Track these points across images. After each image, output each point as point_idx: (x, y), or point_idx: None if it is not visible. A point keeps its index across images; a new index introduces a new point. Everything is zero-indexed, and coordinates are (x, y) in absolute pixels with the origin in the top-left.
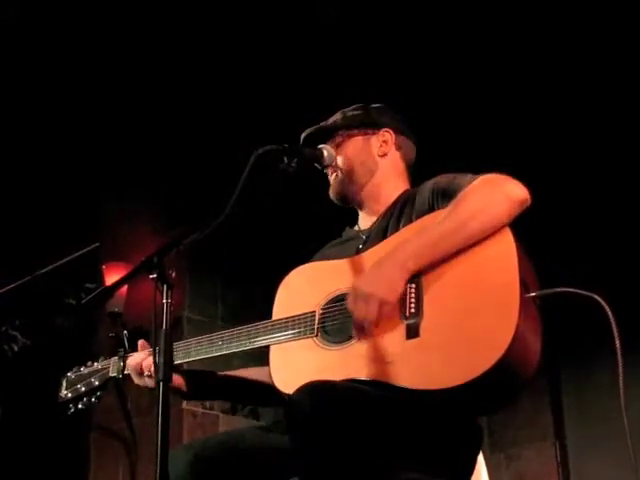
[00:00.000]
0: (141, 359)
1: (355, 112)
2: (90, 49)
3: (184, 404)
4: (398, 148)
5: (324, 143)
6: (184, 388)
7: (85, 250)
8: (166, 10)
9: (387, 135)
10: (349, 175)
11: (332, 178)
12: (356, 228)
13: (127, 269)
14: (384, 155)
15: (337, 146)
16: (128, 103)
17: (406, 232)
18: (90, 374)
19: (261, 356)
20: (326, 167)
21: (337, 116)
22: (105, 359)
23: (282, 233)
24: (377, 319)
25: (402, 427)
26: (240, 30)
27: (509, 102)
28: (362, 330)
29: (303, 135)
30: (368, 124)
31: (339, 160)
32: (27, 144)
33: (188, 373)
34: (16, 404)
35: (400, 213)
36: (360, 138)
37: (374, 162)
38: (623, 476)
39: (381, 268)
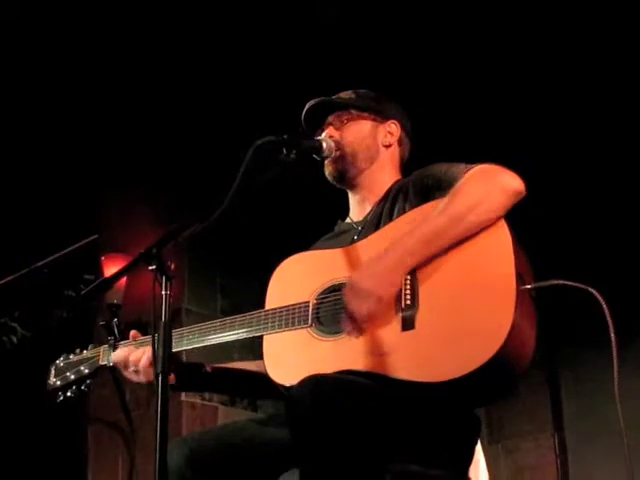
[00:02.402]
0: (127, 353)
1: (369, 96)
2: (90, 48)
3: (183, 396)
4: (400, 143)
5: (328, 115)
6: (172, 379)
7: (83, 242)
8: (166, 9)
9: (393, 127)
10: (352, 156)
11: (333, 154)
12: (348, 220)
13: (126, 261)
14: (388, 146)
15: (342, 123)
16: (127, 96)
17: (400, 222)
18: (79, 362)
19: (261, 348)
20: (325, 159)
21: (349, 94)
22: (95, 347)
23: (282, 225)
24: (372, 315)
25: (401, 419)
26: (240, 30)
27: (505, 94)
28: (355, 325)
29: (311, 103)
30: (379, 111)
31: (344, 138)
32: (27, 137)
33: (176, 364)
34: (14, 396)
35: (393, 203)
36: (369, 122)
37: (377, 150)
38: (621, 468)
39: (379, 264)
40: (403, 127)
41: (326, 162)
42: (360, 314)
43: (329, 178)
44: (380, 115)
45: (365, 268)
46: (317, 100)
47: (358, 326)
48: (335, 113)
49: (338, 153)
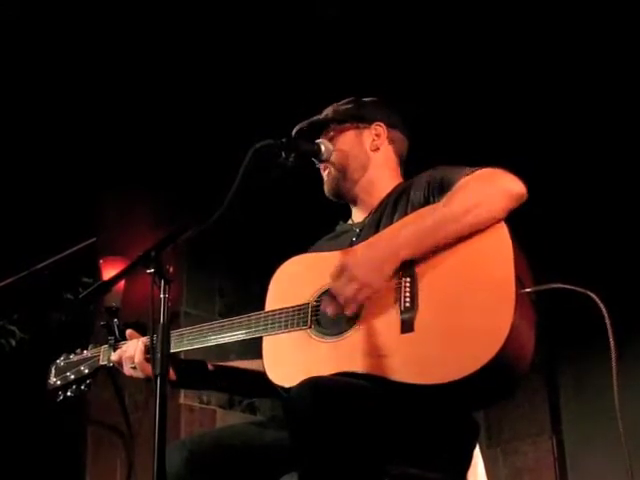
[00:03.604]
0: (122, 351)
1: (347, 106)
2: (90, 48)
3: (181, 399)
4: (391, 142)
5: (316, 138)
6: (172, 376)
7: (81, 245)
8: (166, 9)
9: (379, 129)
10: (342, 171)
11: (325, 174)
12: (349, 222)
13: (125, 264)
14: (377, 149)
15: (329, 140)
16: (126, 97)
17: (400, 224)
18: (80, 362)
19: (258, 349)
20: (323, 162)
21: (328, 110)
22: (95, 347)
23: (281, 227)
24: (356, 300)
25: (400, 421)
26: (240, 30)
27: (505, 95)
28: (332, 304)
29: (295, 130)
30: (360, 118)
31: (332, 155)
32: (25, 138)
33: (177, 361)
34: (13, 399)
35: (394, 205)
36: (352, 132)
37: (367, 156)
38: (620, 471)
39: (372, 251)
40: (390, 125)
41: (323, 176)
42: (342, 295)
43: (329, 197)
44: (362, 121)
45: (358, 254)
46: (302, 124)
47: (336, 306)
48: (320, 133)
49: (331, 172)
